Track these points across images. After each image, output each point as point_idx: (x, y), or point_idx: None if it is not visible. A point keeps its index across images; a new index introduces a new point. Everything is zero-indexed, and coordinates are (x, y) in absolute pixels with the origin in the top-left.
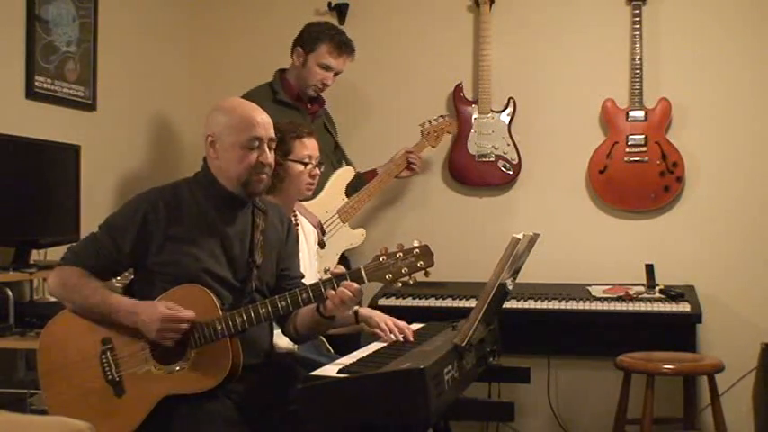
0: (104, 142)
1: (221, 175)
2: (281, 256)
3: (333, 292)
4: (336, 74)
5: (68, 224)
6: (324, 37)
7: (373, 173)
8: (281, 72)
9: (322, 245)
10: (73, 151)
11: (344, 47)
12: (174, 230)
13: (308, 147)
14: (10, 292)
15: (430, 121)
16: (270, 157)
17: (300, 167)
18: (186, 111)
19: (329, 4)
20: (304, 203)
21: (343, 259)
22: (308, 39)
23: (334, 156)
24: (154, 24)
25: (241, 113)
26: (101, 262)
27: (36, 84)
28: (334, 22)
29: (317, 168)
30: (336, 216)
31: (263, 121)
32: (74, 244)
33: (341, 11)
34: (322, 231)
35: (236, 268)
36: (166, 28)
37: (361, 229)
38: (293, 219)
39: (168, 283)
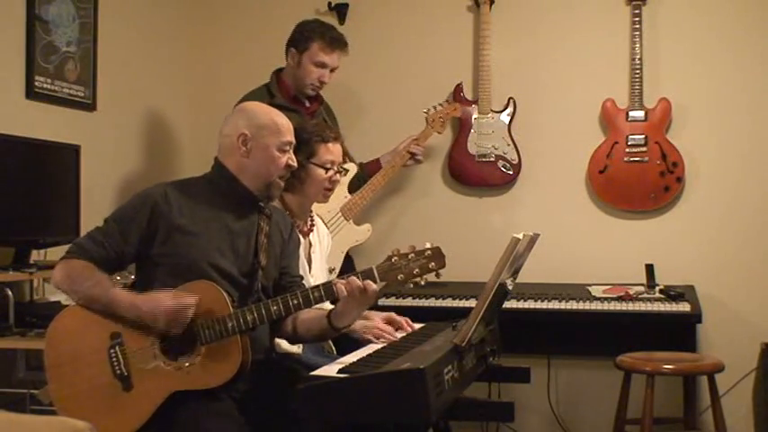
0: (104, 142)
1: (245, 172)
2: (282, 256)
3: (342, 287)
4: (332, 70)
5: (68, 224)
6: (315, 35)
7: (376, 163)
8: (278, 72)
9: None
10: (73, 151)
11: (336, 42)
12: (182, 222)
13: (333, 152)
14: (10, 292)
15: (435, 107)
16: (294, 160)
17: (321, 172)
18: (186, 110)
19: (329, 4)
20: None
21: (348, 259)
22: (300, 38)
23: None
24: (153, 24)
25: (274, 117)
26: (106, 254)
27: (36, 84)
28: (334, 21)
29: (338, 174)
30: (339, 214)
31: (291, 126)
32: (78, 238)
33: (341, 11)
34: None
35: (240, 265)
36: (166, 28)
37: (367, 225)
38: (310, 220)
39: (169, 276)
